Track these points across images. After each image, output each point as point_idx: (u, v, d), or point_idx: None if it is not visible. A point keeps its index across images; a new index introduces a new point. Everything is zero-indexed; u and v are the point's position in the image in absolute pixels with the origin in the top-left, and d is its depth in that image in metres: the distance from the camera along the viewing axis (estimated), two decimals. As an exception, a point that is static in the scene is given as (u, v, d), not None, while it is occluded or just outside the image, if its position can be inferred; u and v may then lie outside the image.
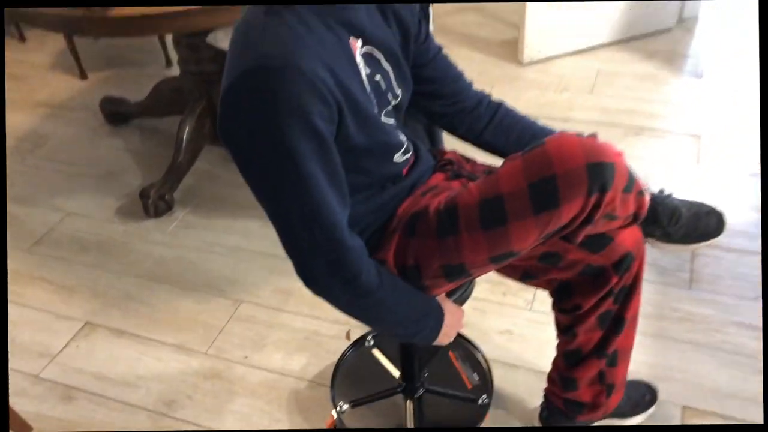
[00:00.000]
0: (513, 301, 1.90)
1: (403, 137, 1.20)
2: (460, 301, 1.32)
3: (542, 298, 1.88)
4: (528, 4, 2.82)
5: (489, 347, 1.72)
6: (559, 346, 1.41)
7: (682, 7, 3.12)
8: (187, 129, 2.40)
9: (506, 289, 1.93)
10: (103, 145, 2.73)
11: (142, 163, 2.60)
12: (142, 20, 1.79)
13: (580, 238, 1.08)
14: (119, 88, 3.04)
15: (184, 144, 2.39)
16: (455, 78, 1.30)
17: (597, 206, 1.00)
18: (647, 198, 1.16)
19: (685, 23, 3.16)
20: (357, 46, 1.06)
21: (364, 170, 1.12)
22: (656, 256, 1.96)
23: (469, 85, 1.31)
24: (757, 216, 2.11)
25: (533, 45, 2.94)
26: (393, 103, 1.16)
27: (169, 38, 3.13)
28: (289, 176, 0.97)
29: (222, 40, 2.17)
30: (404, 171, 1.22)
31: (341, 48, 1.03)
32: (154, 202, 2.29)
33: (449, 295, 1.28)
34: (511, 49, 3.05)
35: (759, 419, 1.55)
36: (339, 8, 1.04)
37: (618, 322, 1.28)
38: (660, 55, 2.97)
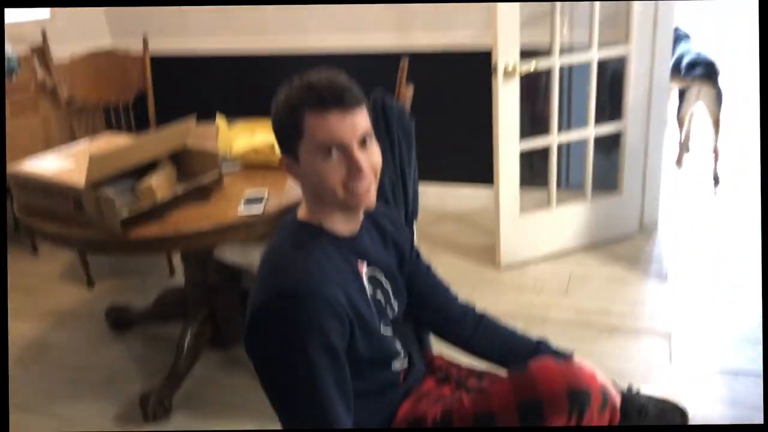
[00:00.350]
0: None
1: (399, 346, 1.38)
2: None
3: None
4: (501, 215, 3.13)
5: None
6: None
7: (642, 214, 3.46)
8: (188, 335, 2.55)
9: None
10: (106, 351, 2.85)
11: (143, 368, 2.70)
12: (161, 241, 2.01)
13: None
14: (124, 296, 3.22)
15: (185, 350, 2.52)
16: (443, 291, 1.52)
17: (576, 425, 1.20)
18: (618, 408, 1.33)
19: (646, 229, 3.48)
20: (363, 269, 1.29)
21: (366, 377, 1.29)
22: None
23: (455, 297, 1.53)
24: (729, 409, 2.22)
25: (509, 251, 3.21)
26: (391, 316, 1.36)
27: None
28: (306, 389, 1.15)
29: (226, 254, 2.40)
30: (400, 378, 1.38)
31: (353, 274, 1.27)
32: (153, 408, 2.36)
33: None
34: (489, 255, 3.32)
35: None
36: (352, 241, 1.27)
37: None
38: (626, 259, 3.23)
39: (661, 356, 2.51)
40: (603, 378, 1.29)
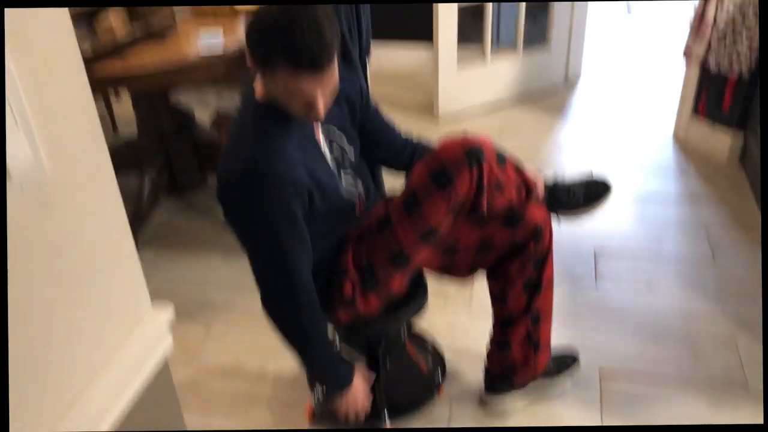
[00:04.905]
0: (454, 304, 2.22)
1: (359, 188, 1.57)
2: (420, 308, 1.67)
3: (479, 296, 2.22)
4: (440, 68, 3.28)
5: (438, 339, 2.02)
6: (494, 317, 1.76)
7: (567, 67, 3.69)
8: (146, 181, 2.64)
9: (446, 296, 2.25)
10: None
11: (102, 216, 2.79)
12: (125, 79, 2.07)
13: (484, 207, 1.48)
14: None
15: (145, 194, 2.63)
16: (388, 129, 1.68)
17: (480, 176, 1.43)
18: (528, 172, 1.59)
19: (570, 81, 3.73)
20: (319, 133, 1.45)
21: (327, 223, 1.50)
22: (566, 262, 2.36)
23: (397, 132, 1.70)
24: (638, 230, 2.56)
25: (446, 103, 3.40)
26: (349, 161, 1.53)
27: (115, 104, 3.37)
28: (270, 244, 1.39)
29: (182, 99, 2.47)
30: (357, 211, 1.57)
31: (312, 143, 1.46)
32: (121, 246, 2.48)
33: (412, 299, 1.64)
34: (427, 109, 3.50)
35: (659, 377, 1.92)
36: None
37: (537, 286, 1.65)
38: (552, 109, 3.49)
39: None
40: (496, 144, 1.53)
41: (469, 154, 1.41)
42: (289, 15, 1.23)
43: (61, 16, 0.84)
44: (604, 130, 3.28)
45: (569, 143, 3.19)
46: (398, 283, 1.57)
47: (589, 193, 1.66)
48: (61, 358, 0.85)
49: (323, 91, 1.32)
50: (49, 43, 0.83)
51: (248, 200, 1.34)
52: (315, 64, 1.26)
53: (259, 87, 1.41)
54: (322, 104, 1.33)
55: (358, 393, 1.60)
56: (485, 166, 1.42)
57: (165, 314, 1.00)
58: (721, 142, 2.93)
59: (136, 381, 0.94)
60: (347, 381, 1.58)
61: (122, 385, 0.90)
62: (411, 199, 1.47)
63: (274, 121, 1.38)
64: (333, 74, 1.31)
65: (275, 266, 1.41)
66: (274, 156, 1.34)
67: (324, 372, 1.57)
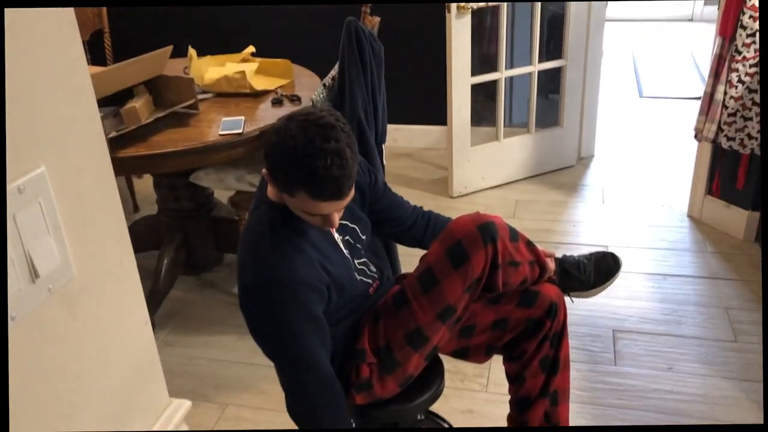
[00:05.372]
0: (470, 386, 2.19)
1: (371, 270, 1.58)
2: (436, 396, 1.65)
3: (495, 381, 2.18)
4: (453, 146, 3.35)
5: (454, 424, 1.98)
6: (511, 399, 1.73)
7: (579, 146, 3.75)
8: (165, 259, 2.67)
9: (463, 376, 2.22)
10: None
11: (120, 293, 2.81)
12: (147, 160, 2.13)
13: (500, 284, 1.48)
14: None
15: (163, 272, 2.65)
16: (399, 204, 1.72)
17: (495, 253, 1.44)
18: (539, 249, 1.59)
19: (583, 160, 3.78)
20: (336, 225, 1.47)
21: (341, 313, 1.52)
22: (585, 341, 2.33)
23: (408, 206, 1.72)
24: (655, 305, 2.53)
25: (460, 181, 3.45)
26: (361, 246, 1.56)
27: (137, 184, 3.45)
28: (297, 349, 1.40)
29: (202, 179, 2.52)
30: (370, 291, 1.59)
31: (326, 239, 1.48)
32: (138, 324, 2.49)
33: (428, 386, 1.62)
34: (441, 186, 3.55)
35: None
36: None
37: (555, 364, 1.63)
38: (566, 186, 3.52)
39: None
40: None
41: (483, 231, 1.43)
42: (313, 146, 1.23)
43: (92, 112, 0.88)
44: (618, 208, 3.30)
45: (583, 221, 3.21)
46: (415, 364, 1.55)
47: (599, 270, 1.66)
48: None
49: (340, 210, 1.36)
50: (79, 146, 0.86)
51: (271, 307, 1.37)
52: (338, 196, 1.29)
53: (272, 190, 1.42)
54: (337, 219, 1.37)
55: None
56: (499, 243, 1.44)
57: (182, 409, 1.01)
58: (737, 220, 2.92)
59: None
60: None
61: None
62: (427, 276, 1.47)
63: (289, 224, 1.40)
64: (352, 194, 1.34)
65: (302, 368, 1.42)
66: (292, 262, 1.36)
67: None
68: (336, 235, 1.50)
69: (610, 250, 1.73)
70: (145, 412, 0.94)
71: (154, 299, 2.59)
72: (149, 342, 1.01)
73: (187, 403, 1.01)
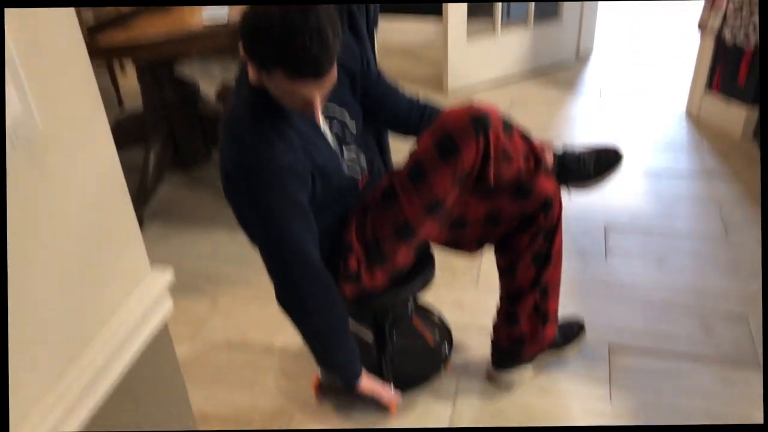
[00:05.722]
0: (460, 279, 2.20)
1: (362, 162, 1.53)
2: (426, 282, 1.64)
3: (485, 274, 2.19)
4: (449, 40, 3.23)
5: (445, 314, 1.99)
6: (502, 291, 1.73)
7: (579, 43, 3.63)
8: (152, 155, 2.62)
9: (454, 270, 2.23)
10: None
11: (108, 190, 2.77)
12: (128, 48, 2.04)
13: (491, 177, 1.43)
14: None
15: (151, 168, 2.61)
16: (394, 92, 1.64)
17: (487, 145, 1.38)
18: (536, 141, 1.53)
19: (582, 57, 3.67)
20: (318, 112, 1.40)
21: (329, 203, 1.47)
22: (576, 237, 2.33)
23: (404, 95, 1.65)
24: (648, 202, 2.52)
25: (456, 77, 3.35)
26: (351, 136, 1.50)
27: (121, 78, 3.35)
28: (281, 235, 1.37)
29: (186, 69, 2.44)
30: (359, 184, 1.54)
31: (311, 125, 1.42)
32: (127, 219, 2.47)
33: (418, 273, 1.62)
34: (436, 83, 3.45)
35: (669, 351, 1.89)
36: None
37: (547, 258, 1.62)
38: (563, 83, 3.44)
39: (595, 162, 2.77)
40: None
41: (475, 122, 1.37)
42: (290, 24, 1.16)
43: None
44: (615, 106, 3.23)
45: (580, 118, 3.14)
46: (404, 256, 1.54)
47: (600, 163, 1.62)
48: (58, 318, 0.83)
49: (322, 92, 1.29)
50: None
51: (254, 195, 1.33)
52: (316, 74, 1.22)
53: (253, 73, 1.35)
54: (319, 103, 1.30)
55: (371, 384, 1.63)
56: (492, 134, 1.38)
57: (164, 277, 0.98)
58: (736, 116, 2.87)
59: (135, 342, 0.92)
60: (353, 376, 1.60)
61: (121, 346, 0.88)
62: (416, 169, 1.43)
63: (271, 108, 1.34)
64: (333, 75, 1.27)
65: (288, 256, 1.39)
66: (274, 147, 1.31)
67: (344, 363, 1.57)
68: (322, 124, 1.45)
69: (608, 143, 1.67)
70: (122, 277, 0.92)
71: (141, 195, 2.56)
72: (126, 207, 0.97)
73: (169, 271, 0.99)
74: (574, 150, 1.63)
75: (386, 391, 1.67)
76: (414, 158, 1.45)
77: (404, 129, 1.67)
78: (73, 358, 0.84)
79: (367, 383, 1.62)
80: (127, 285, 0.93)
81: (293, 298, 1.46)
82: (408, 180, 1.44)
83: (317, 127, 1.43)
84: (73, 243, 0.87)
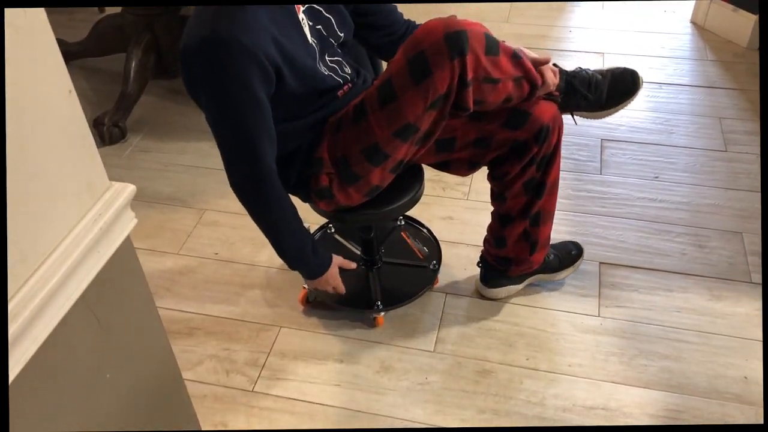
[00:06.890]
0: (451, 194, 2.15)
1: (345, 71, 1.42)
2: (414, 201, 1.56)
3: (476, 190, 2.14)
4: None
5: (434, 230, 1.96)
6: (493, 212, 1.68)
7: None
8: (134, 61, 2.51)
9: (445, 185, 2.17)
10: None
11: (90, 98, 2.67)
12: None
13: (469, 103, 1.30)
14: (54, 33, 3.06)
15: (132, 75, 2.49)
16: (390, 10, 1.51)
17: (464, 69, 1.24)
18: (530, 64, 1.36)
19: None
20: (300, 9, 1.30)
21: (301, 107, 1.37)
22: (572, 150, 2.27)
23: (400, 16, 1.53)
24: (647, 115, 2.44)
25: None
26: (337, 43, 1.38)
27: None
28: (230, 121, 1.28)
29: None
30: (339, 93, 1.43)
31: (290, 18, 1.29)
32: (108, 129, 2.39)
33: (405, 192, 1.54)
34: None
35: (660, 267, 1.87)
36: None
37: (540, 187, 1.53)
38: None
39: (594, 73, 2.67)
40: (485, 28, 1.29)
41: (450, 42, 1.22)
42: None
43: None
44: (618, 14, 3.09)
45: (580, 27, 3.01)
46: (378, 177, 1.43)
47: (615, 88, 1.46)
48: (11, 236, 0.78)
49: None
50: None
51: (206, 72, 1.21)
52: None
53: None
54: None
55: (331, 278, 1.60)
56: (470, 57, 1.23)
57: (125, 193, 0.93)
58: (743, 25, 2.74)
59: (95, 259, 0.87)
60: (321, 270, 1.55)
61: (80, 263, 0.84)
62: (386, 89, 1.30)
63: None
64: None
65: (236, 148, 1.32)
66: (237, 23, 1.18)
67: (295, 260, 1.53)
68: (302, 17, 1.32)
69: (630, 66, 1.51)
70: (79, 195, 0.86)
71: (124, 104, 2.46)
72: (76, 116, 0.90)
73: (131, 187, 0.93)
74: (587, 72, 1.48)
75: (342, 287, 1.65)
76: (386, 75, 1.31)
77: (392, 56, 1.56)
78: (30, 276, 0.80)
79: (331, 277, 1.60)
80: (86, 203, 0.87)
81: (240, 193, 1.42)
82: (377, 101, 1.32)
83: (296, 22, 1.31)
84: (24, 166, 0.80)
